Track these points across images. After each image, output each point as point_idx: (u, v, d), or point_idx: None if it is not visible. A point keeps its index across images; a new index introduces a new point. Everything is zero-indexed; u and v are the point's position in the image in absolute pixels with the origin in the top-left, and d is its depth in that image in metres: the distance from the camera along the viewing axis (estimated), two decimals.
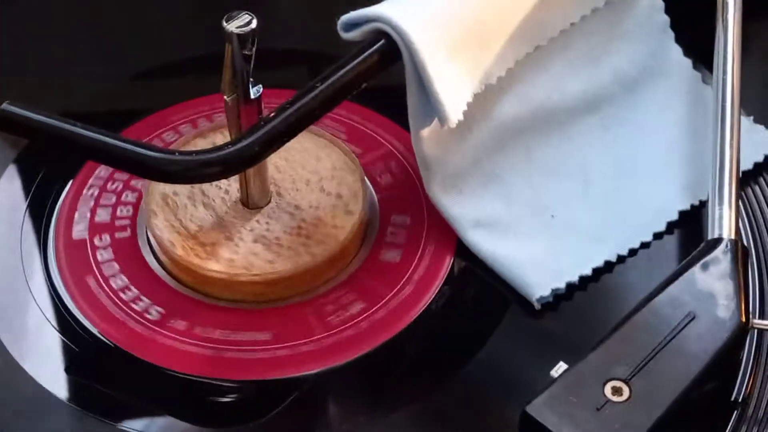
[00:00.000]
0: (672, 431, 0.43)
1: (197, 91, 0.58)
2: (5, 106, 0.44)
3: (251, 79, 0.46)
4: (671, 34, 0.58)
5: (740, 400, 0.46)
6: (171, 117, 0.57)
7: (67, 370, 0.48)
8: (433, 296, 0.50)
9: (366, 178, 0.53)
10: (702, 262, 0.46)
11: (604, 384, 0.43)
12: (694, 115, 0.56)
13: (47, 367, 0.48)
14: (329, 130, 0.55)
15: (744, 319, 0.44)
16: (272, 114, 0.45)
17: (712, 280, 0.46)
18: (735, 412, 0.45)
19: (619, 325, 0.45)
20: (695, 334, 0.44)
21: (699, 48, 0.58)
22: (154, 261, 0.51)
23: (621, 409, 0.42)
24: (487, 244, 0.51)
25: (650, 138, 0.56)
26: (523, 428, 0.43)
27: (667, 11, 0.58)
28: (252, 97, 0.46)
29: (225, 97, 0.46)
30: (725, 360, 0.45)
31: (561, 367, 0.44)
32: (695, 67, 0.58)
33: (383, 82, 0.49)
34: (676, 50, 0.58)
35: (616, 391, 0.43)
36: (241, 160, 0.45)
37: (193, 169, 0.44)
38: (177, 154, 0.44)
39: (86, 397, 0.47)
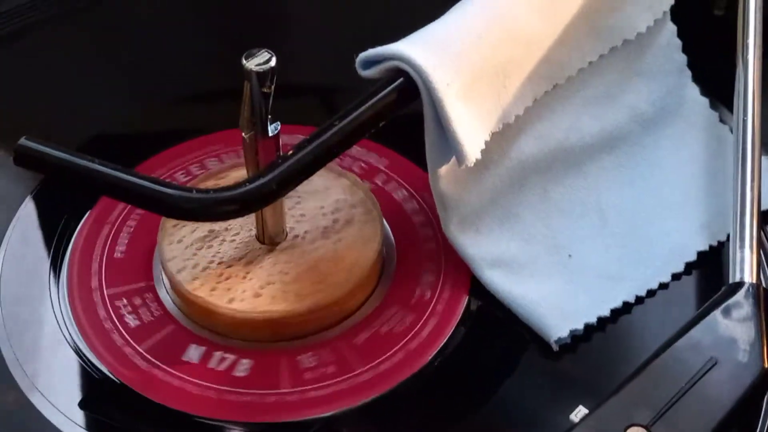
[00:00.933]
0: None
1: (212, 126, 0.58)
2: (23, 141, 0.44)
3: (269, 117, 0.46)
4: (688, 73, 0.58)
5: None
6: (186, 154, 0.57)
7: (79, 408, 0.47)
8: (448, 337, 0.49)
9: (381, 214, 0.52)
10: (723, 306, 0.46)
11: (626, 429, 0.42)
12: (711, 154, 0.56)
13: (59, 405, 0.47)
14: (345, 167, 0.55)
15: (766, 365, 0.44)
16: (290, 152, 0.45)
17: (734, 325, 0.45)
18: None
19: (639, 370, 0.44)
20: (717, 379, 0.43)
21: (716, 87, 0.58)
22: (168, 299, 0.51)
23: None
24: (504, 284, 0.50)
25: (667, 177, 0.55)
26: None
27: (685, 50, 0.57)
28: (270, 134, 0.46)
29: (243, 134, 0.46)
30: (747, 406, 0.44)
31: (580, 410, 0.44)
32: (712, 106, 0.58)
33: (400, 120, 0.48)
34: (693, 89, 0.58)
35: None
36: (258, 198, 0.44)
37: (209, 207, 0.44)
38: (194, 191, 0.44)
39: None
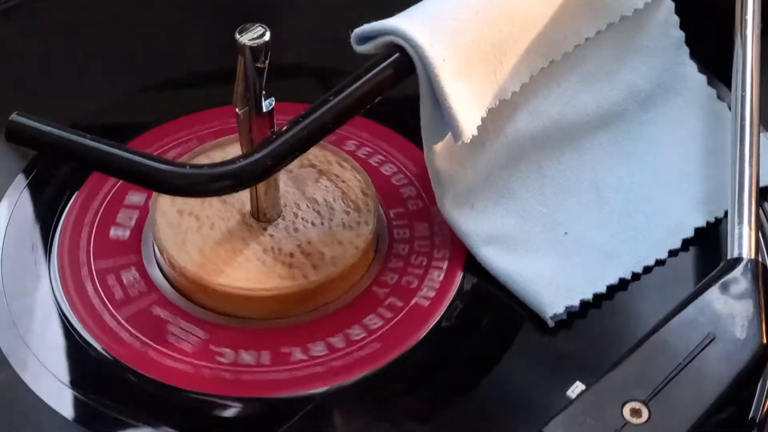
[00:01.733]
0: None
1: (206, 104, 0.57)
2: (14, 117, 0.43)
3: (263, 92, 0.45)
4: (686, 50, 0.57)
5: (758, 420, 0.45)
6: (178, 130, 0.56)
7: (72, 386, 0.47)
8: (442, 313, 0.49)
9: (376, 193, 0.52)
10: (721, 282, 0.45)
11: (623, 405, 0.42)
12: (708, 131, 0.56)
13: (51, 383, 0.47)
14: (339, 144, 0.54)
15: (765, 341, 0.44)
16: (285, 128, 0.45)
17: (732, 301, 0.45)
18: (754, 431, 0.45)
19: (636, 346, 0.44)
20: (715, 355, 0.43)
21: (714, 64, 0.57)
22: (160, 275, 0.50)
23: None
24: (499, 260, 0.50)
25: (664, 154, 0.55)
26: None
27: (682, 27, 0.57)
28: (264, 110, 0.46)
29: (237, 110, 0.46)
30: (745, 382, 0.44)
31: (577, 387, 0.43)
32: (710, 83, 0.57)
33: (395, 96, 0.48)
34: (691, 66, 0.57)
35: (635, 412, 0.42)
36: (252, 174, 0.44)
37: (203, 182, 0.43)
38: (188, 167, 0.44)
39: (90, 415, 0.46)
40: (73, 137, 0.43)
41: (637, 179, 0.54)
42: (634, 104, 0.56)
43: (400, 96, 0.48)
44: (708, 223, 0.52)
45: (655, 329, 0.44)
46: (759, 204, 0.49)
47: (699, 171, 0.54)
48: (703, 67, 0.57)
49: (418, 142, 0.50)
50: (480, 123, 0.49)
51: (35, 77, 0.60)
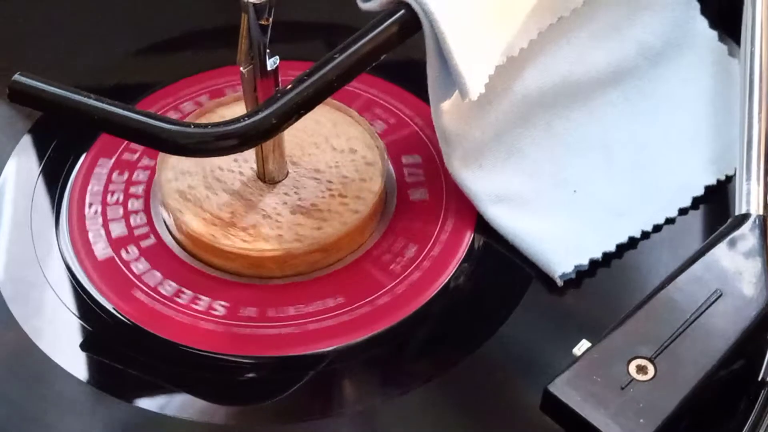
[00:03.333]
0: (698, 410, 0.42)
1: (210, 64, 0.57)
2: (17, 77, 0.43)
3: (268, 51, 0.45)
4: (697, 6, 0.57)
5: (767, 380, 0.45)
6: (184, 90, 0.56)
7: (82, 347, 0.47)
8: (452, 272, 0.49)
9: (387, 155, 0.52)
10: (729, 238, 0.45)
11: (629, 362, 0.42)
12: (719, 88, 0.55)
13: (62, 344, 0.47)
14: (346, 102, 0.54)
15: None
16: (289, 86, 0.44)
17: (740, 257, 0.45)
18: (762, 391, 0.44)
19: (643, 303, 0.44)
20: (722, 312, 0.43)
21: (725, 20, 0.57)
22: (169, 236, 0.50)
23: (646, 388, 0.41)
24: (508, 219, 0.50)
25: (674, 111, 0.54)
26: (546, 407, 0.42)
27: None
28: (269, 68, 0.46)
29: (241, 68, 0.46)
30: (753, 339, 0.44)
31: (583, 344, 0.43)
32: (721, 39, 0.57)
33: (402, 54, 0.48)
34: (702, 22, 0.57)
35: (641, 369, 0.42)
36: (257, 133, 0.44)
37: (208, 142, 0.43)
38: (192, 126, 0.43)
39: (102, 375, 0.46)
40: (76, 97, 0.43)
41: (646, 137, 0.53)
42: (645, 61, 0.55)
43: (407, 53, 0.48)
44: (718, 181, 0.52)
45: (662, 286, 0.44)
46: None
47: (709, 129, 0.54)
48: (714, 24, 0.57)
49: (426, 98, 0.49)
50: (487, 80, 0.49)
51: (34, 40, 0.60)
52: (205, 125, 0.44)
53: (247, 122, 0.44)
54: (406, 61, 0.50)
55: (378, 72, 0.52)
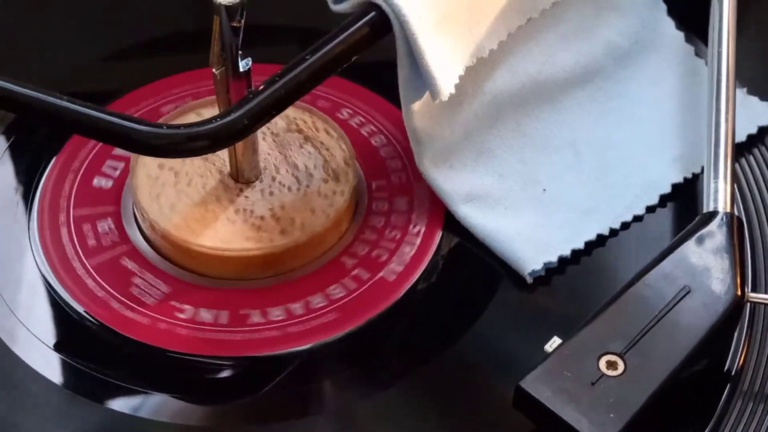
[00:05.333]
0: (666, 404, 0.42)
1: (182, 67, 0.57)
2: None
3: (240, 52, 0.45)
4: (663, 7, 0.58)
5: (733, 372, 0.45)
6: (155, 94, 0.56)
7: (56, 350, 0.47)
8: (422, 272, 0.49)
9: (359, 164, 0.52)
10: (697, 235, 0.46)
11: (599, 358, 0.42)
12: (686, 88, 0.56)
13: (36, 347, 0.47)
14: (332, 113, 0.54)
15: (740, 293, 0.44)
16: (261, 87, 0.45)
17: (708, 254, 0.45)
18: (728, 384, 0.45)
19: (613, 300, 0.44)
20: (690, 308, 0.44)
21: (691, 21, 0.57)
22: (140, 238, 0.50)
23: (616, 384, 0.42)
24: (478, 218, 0.50)
25: (642, 111, 0.55)
26: (518, 403, 0.42)
27: None
28: (241, 69, 0.46)
29: (214, 70, 0.46)
30: (721, 334, 0.44)
31: (555, 341, 0.44)
32: (688, 39, 0.57)
33: (372, 57, 0.48)
34: (669, 23, 0.57)
35: (611, 365, 0.42)
36: (229, 134, 0.44)
37: (180, 142, 0.43)
38: (164, 127, 0.44)
39: (76, 378, 0.46)
40: (49, 98, 0.43)
41: (615, 136, 0.54)
42: (612, 62, 0.56)
43: (377, 55, 0.48)
44: (685, 179, 0.52)
45: (631, 283, 0.45)
46: (734, 158, 0.50)
47: (676, 128, 0.54)
48: (681, 24, 0.57)
49: (395, 101, 0.50)
50: (458, 81, 0.49)
51: (3, 45, 0.59)
52: (178, 126, 0.44)
53: (219, 123, 0.44)
54: (375, 63, 0.50)
55: (347, 75, 0.52)
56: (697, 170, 0.52)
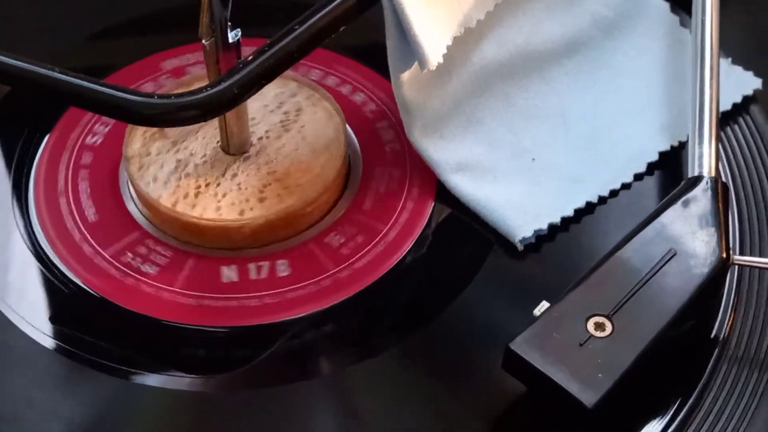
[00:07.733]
0: (653, 367, 0.43)
1: (176, 42, 0.58)
2: None
3: (229, 23, 0.46)
4: None
5: (720, 337, 0.46)
6: (144, 70, 0.57)
7: (52, 320, 0.48)
8: (415, 240, 0.50)
9: (352, 132, 0.53)
10: (683, 199, 0.46)
11: (587, 320, 0.43)
12: (672, 58, 0.56)
13: (32, 316, 0.48)
14: (308, 75, 0.55)
15: (725, 255, 0.45)
16: (250, 57, 0.45)
17: (693, 218, 0.46)
18: (715, 349, 0.46)
19: (600, 263, 0.45)
20: (676, 270, 0.44)
21: None
22: (136, 209, 0.51)
23: (604, 345, 0.42)
24: (468, 187, 0.51)
25: (628, 81, 0.56)
26: (507, 365, 0.43)
27: None
28: (230, 41, 0.46)
29: (203, 41, 0.46)
30: (706, 297, 0.45)
31: (544, 306, 0.44)
32: (673, 10, 0.58)
33: (361, 28, 0.48)
34: None
35: (599, 326, 0.43)
36: (219, 103, 0.45)
37: (171, 112, 0.44)
38: (156, 97, 0.44)
39: (71, 347, 0.47)
40: (41, 70, 0.44)
41: (602, 106, 0.55)
42: (598, 32, 0.56)
43: (366, 27, 0.49)
44: (672, 147, 0.53)
45: (618, 247, 0.45)
46: (719, 124, 0.50)
47: (662, 97, 0.55)
48: None
49: (385, 72, 0.50)
50: (445, 51, 0.49)
51: None
52: (169, 96, 0.44)
53: (209, 92, 0.44)
54: (365, 36, 0.51)
55: (337, 48, 0.53)
56: (684, 138, 0.53)
